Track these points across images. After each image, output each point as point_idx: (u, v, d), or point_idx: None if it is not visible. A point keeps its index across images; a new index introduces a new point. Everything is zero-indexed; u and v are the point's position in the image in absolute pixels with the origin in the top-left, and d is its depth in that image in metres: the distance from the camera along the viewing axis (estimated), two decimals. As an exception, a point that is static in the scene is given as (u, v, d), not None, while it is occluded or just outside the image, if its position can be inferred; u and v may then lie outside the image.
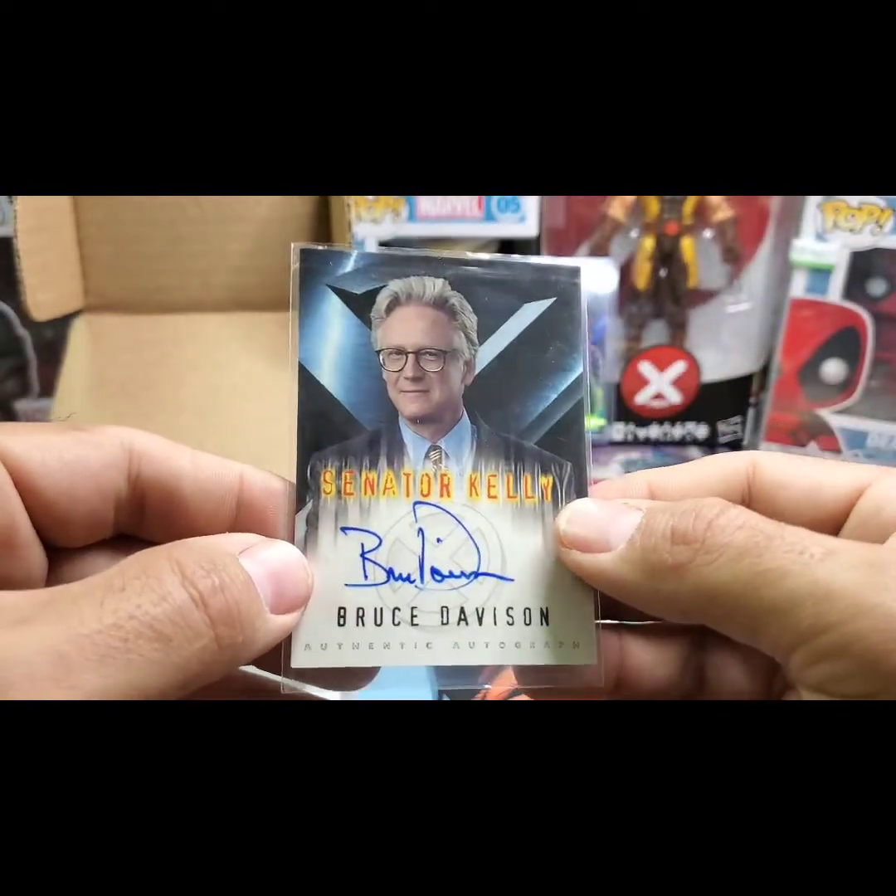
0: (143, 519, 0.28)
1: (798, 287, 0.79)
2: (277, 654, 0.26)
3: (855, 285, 0.77)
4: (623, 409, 0.86)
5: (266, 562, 0.25)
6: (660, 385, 0.85)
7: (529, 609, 0.28)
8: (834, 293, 0.78)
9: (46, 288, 0.58)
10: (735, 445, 0.88)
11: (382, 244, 0.80)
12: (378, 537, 0.28)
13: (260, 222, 0.63)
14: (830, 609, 0.22)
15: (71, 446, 0.26)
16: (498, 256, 0.31)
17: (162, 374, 0.60)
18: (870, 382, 0.80)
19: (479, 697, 0.37)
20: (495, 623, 0.28)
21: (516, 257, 0.31)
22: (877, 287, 0.77)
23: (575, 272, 0.31)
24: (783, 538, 0.23)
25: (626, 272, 0.83)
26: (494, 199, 0.78)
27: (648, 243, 0.81)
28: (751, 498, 0.28)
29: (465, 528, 0.28)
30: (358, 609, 0.27)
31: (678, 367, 0.85)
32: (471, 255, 0.30)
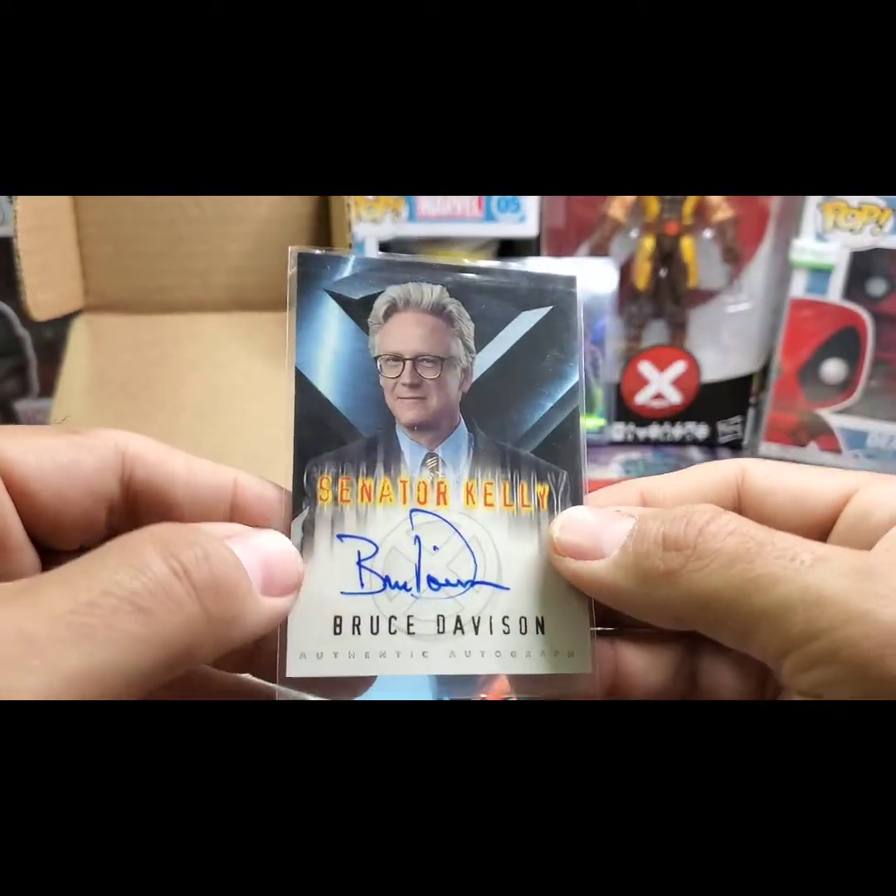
0: (135, 522, 0.27)
1: (798, 287, 0.79)
2: (273, 662, 0.26)
3: (855, 285, 0.77)
4: (623, 409, 0.86)
5: (254, 546, 0.25)
6: (660, 385, 0.85)
7: (525, 618, 0.28)
8: (834, 293, 0.78)
9: (46, 288, 0.58)
10: (735, 445, 0.88)
11: (382, 244, 0.80)
12: (374, 545, 0.28)
13: (260, 222, 0.63)
14: (821, 615, 0.22)
15: (64, 449, 0.26)
16: (495, 264, 0.31)
17: (162, 374, 0.60)
18: (870, 382, 0.80)
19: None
20: (491, 632, 0.28)
21: (514, 265, 0.31)
22: (877, 287, 0.77)
23: (571, 281, 0.31)
24: (774, 544, 0.24)
25: (626, 272, 0.83)
26: (494, 199, 0.78)
27: (648, 243, 0.81)
28: (740, 505, 0.28)
29: (461, 536, 0.28)
30: (354, 617, 0.27)
31: (678, 367, 0.85)
32: (468, 262, 0.30)
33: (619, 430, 0.87)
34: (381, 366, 0.29)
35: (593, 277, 0.82)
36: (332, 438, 0.28)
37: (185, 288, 0.64)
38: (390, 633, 0.27)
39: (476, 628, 0.28)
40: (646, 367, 0.85)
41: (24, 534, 0.26)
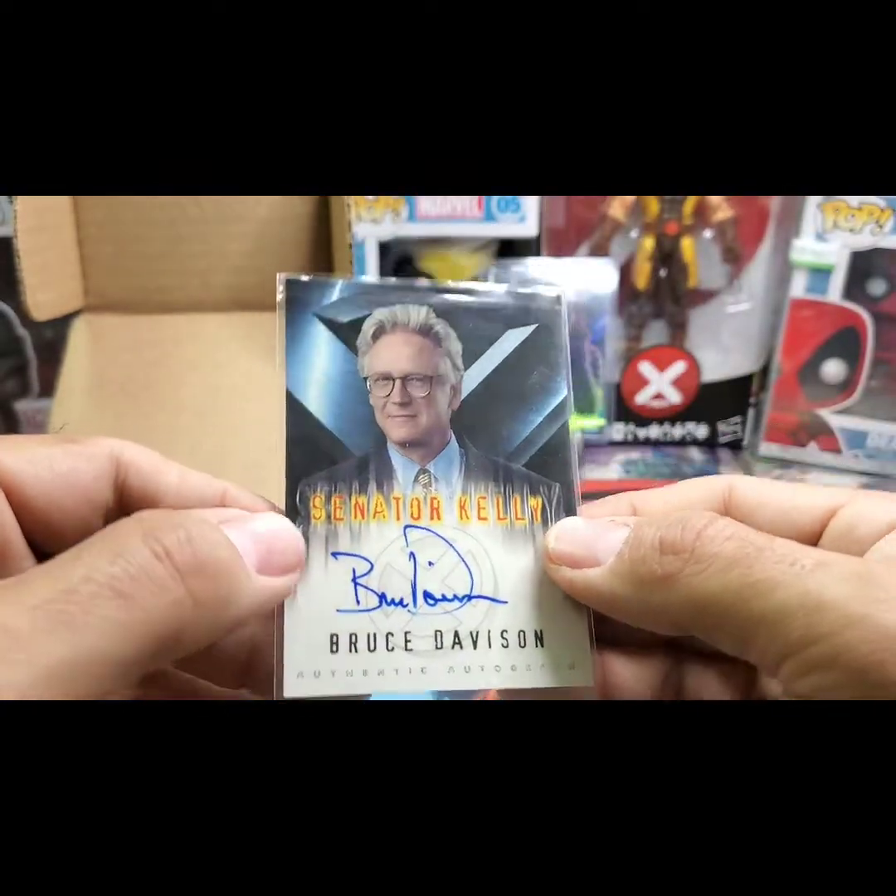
0: None
1: (798, 287, 0.79)
2: (270, 678, 0.26)
3: (855, 285, 0.77)
4: (623, 409, 0.86)
5: (250, 527, 0.25)
6: (660, 385, 0.85)
7: (524, 631, 0.28)
8: (834, 293, 0.78)
9: (46, 288, 0.58)
10: (735, 445, 0.88)
11: (382, 244, 0.80)
12: (369, 562, 0.28)
13: (260, 222, 0.63)
14: (821, 620, 0.22)
15: (62, 458, 0.26)
16: (480, 285, 0.31)
17: (162, 374, 0.60)
18: (870, 382, 0.80)
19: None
20: (490, 646, 0.28)
21: (498, 285, 0.31)
22: (877, 287, 0.77)
23: (556, 300, 0.31)
24: (773, 550, 0.24)
25: (626, 272, 0.83)
26: (494, 199, 0.78)
27: (648, 243, 0.81)
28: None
29: (456, 550, 0.28)
30: (350, 635, 0.27)
31: (678, 367, 0.85)
32: (453, 284, 0.31)
33: (619, 430, 0.87)
34: (370, 386, 0.29)
35: (593, 277, 0.82)
36: (324, 458, 0.28)
37: (185, 288, 0.64)
38: (388, 650, 0.27)
39: (475, 643, 0.28)
40: (646, 367, 0.85)
41: (23, 543, 0.26)
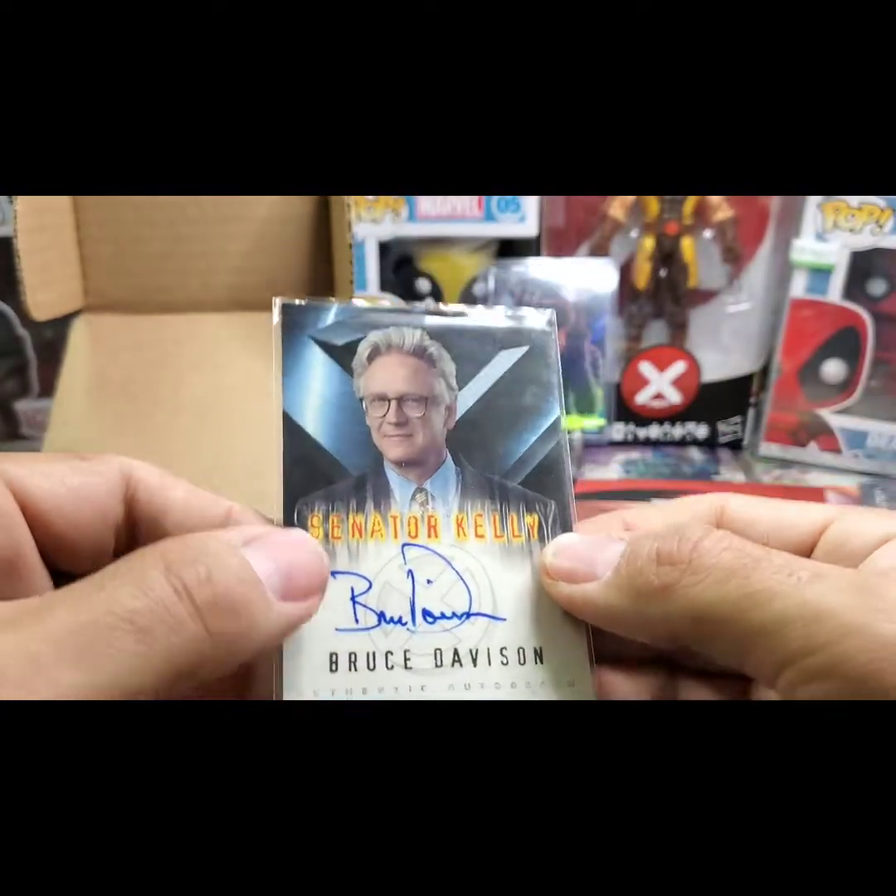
0: (134, 546, 0.28)
1: (798, 287, 0.79)
2: (269, 690, 0.26)
3: (855, 285, 0.77)
4: (623, 409, 0.86)
5: (273, 549, 0.24)
6: (660, 385, 0.85)
7: (523, 648, 0.28)
8: (834, 293, 0.78)
9: (46, 288, 0.58)
10: (735, 445, 0.88)
11: (382, 244, 0.80)
12: (368, 580, 0.28)
13: (260, 222, 0.63)
14: (819, 630, 0.22)
15: (74, 475, 0.27)
16: (472, 308, 0.32)
17: (162, 374, 0.60)
18: (870, 382, 0.80)
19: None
20: (489, 664, 0.28)
21: (490, 308, 0.32)
22: (877, 287, 0.77)
23: (547, 322, 0.32)
24: (770, 560, 0.24)
25: (626, 272, 0.83)
26: (494, 199, 0.78)
27: (648, 243, 0.81)
28: None
29: (454, 568, 0.28)
30: (350, 654, 0.27)
31: (678, 367, 0.85)
32: (445, 307, 0.32)
33: (619, 430, 0.87)
34: (366, 406, 0.30)
35: (593, 277, 0.82)
36: (321, 478, 0.28)
37: (185, 288, 0.64)
38: (387, 668, 0.27)
39: (474, 661, 0.28)
40: (646, 367, 0.85)
41: (38, 558, 0.27)
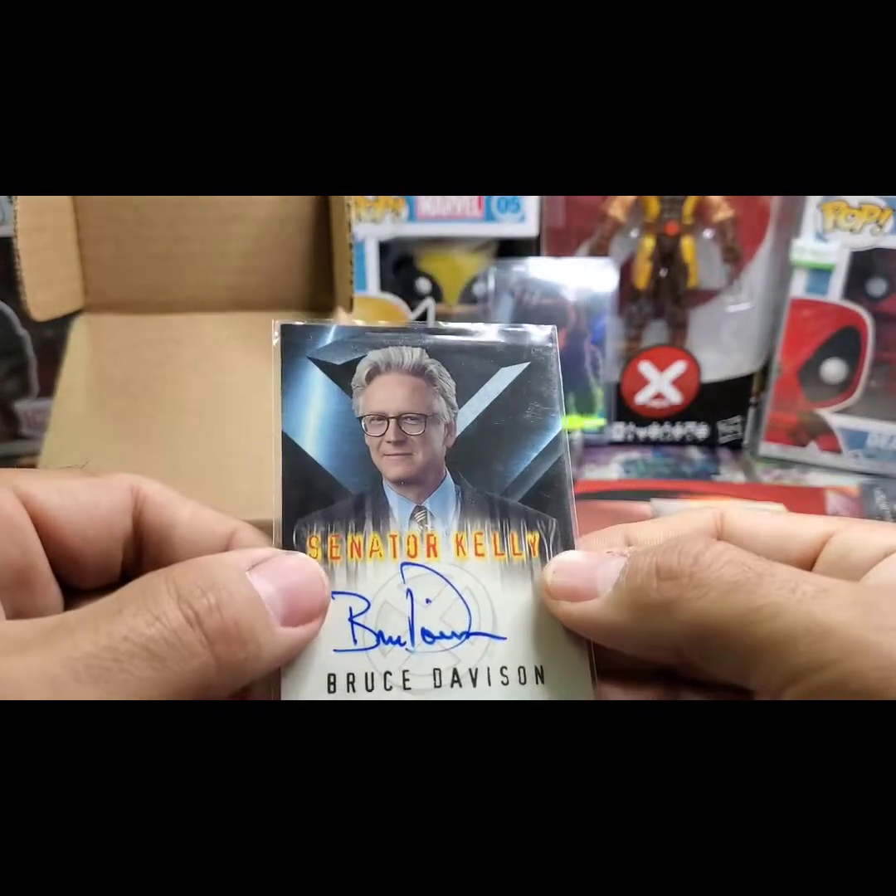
0: (140, 562, 0.29)
1: (798, 287, 0.79)
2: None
3: (855, 285, 0.77)
4: (623, 409, 0.86)
5: (277, 575, 0.25)
6: (660, 385, 0.85)
7: (524, 667, 0.28)
8: (834, 293, 0.78)
9: (46, 288, 0.58)
10: (735, 445, 0.88)
11: (382, 244, 0.80)
12: (366, 600, 0.28)
13: (260, 222, 0.63)
14: (827, 647, 0.22)
15: (85, 490, 0.27)
16: (472, 325, 0.32)
17: (162, 374, 0.60)
18: (870, 382, 0.80)
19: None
20: (489, 684, 0.27)
21: (490, 325, 0.32)
22: (877, 287, 0.77)
23: (548, 337, 0.32)
24: (773, 575, 0.23)
25: (626, 272, 0.83)
26: (494, 199, 0.78)
27: (648, 243, 0.81)
28: None
29: (454, 587, 0.28)
30: (348, 675, 0.27)
31: (678, 367, 0.85)
32: (445, 325, 0.32)
33: (619, 430, 0.87)
34: (365, 425, 0.30)
35: (593, 277, 0.82)
36: (320, 497, 0.28)
37: (185, 288, 0.64)
38: (386, 689, 0.27)
39: (474, 681, 0.27)
40: (646, 367, 0.85)
41: (49, 571, 0.27)
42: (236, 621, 0.23)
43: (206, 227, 0.63)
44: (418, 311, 0.84)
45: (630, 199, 0.80)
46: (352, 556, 0.28)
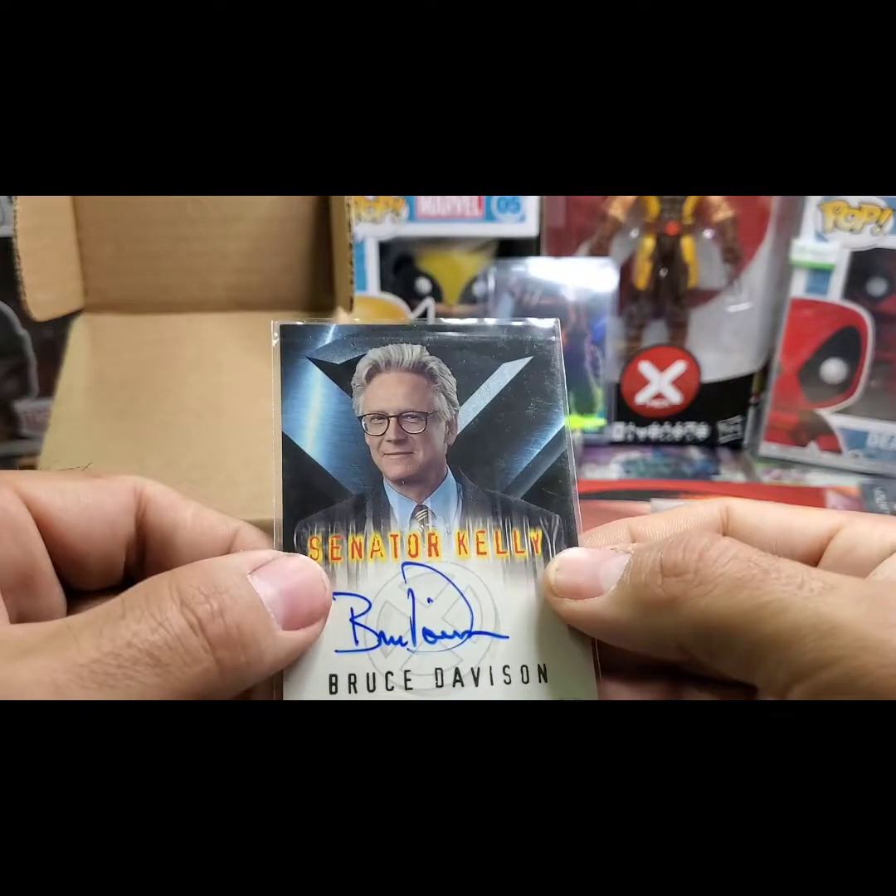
0: (143, 563, 0.29)
1: (798, 287, 0.78)
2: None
3: (855, 285, 0.77)
4: (623, 409, 0.86)
5: (279, 578, 0.25)
6: (660, 385, 0.85)
7: (526, 666, 0.27)
8: (834, 293, 0.77)
9: (46, 288, 0.58)
10: (735, 445, 0.88)
11: (382, 244, 0.80)
12: (367, 601, 0.28)
13: (260, 222, 0.63)
14: (834, 643, 0.22)
15: (89, 492, 0.27)
16: (472, 321, 0.32)
17: (162, 374, 0.60)
18: (870, 382, 0.80)
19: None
20: (492, 683, 0.27)
21: (491, 320, 0.32)
22: (877, 287, 0.77)
23: (551, 331, 0.32)
24: (779, 571, 0.23)
25: (626, 272, 0.83)
26: (494, 199, 0.78)
27: (648, 243, 0.81)
28: None
29: (455, 586, 0.28)
30: (350, 675, 0.27)
31: (678, 367, 0.85)
32: (446, 321, 0.31)
33: (619, 430, 0.87)
34: (366, 425, 0.30)
35: (593, 277, 0.82)
36: (320, 498, 0.28)
37: (185, 288, 0.64)
38: (387, 689, 0.27)
39: (476, 680, 0.27)
40: (646, 367, 0.85)
41: (52, 572, 0.27)
42: (239, 626, 0.23)
43: (206, 227, 0.63)
44: (418, 311, 0.84)
45: (630, 199, 0.80)
46: (353, 557, 0.28)
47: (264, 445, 0.29)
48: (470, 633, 0.28)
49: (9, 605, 0.25)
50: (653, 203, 0.80)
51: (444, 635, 0.28)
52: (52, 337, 0.76)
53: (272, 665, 0.24)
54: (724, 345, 0.84)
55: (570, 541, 0.29)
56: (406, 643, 0.27)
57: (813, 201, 0.75)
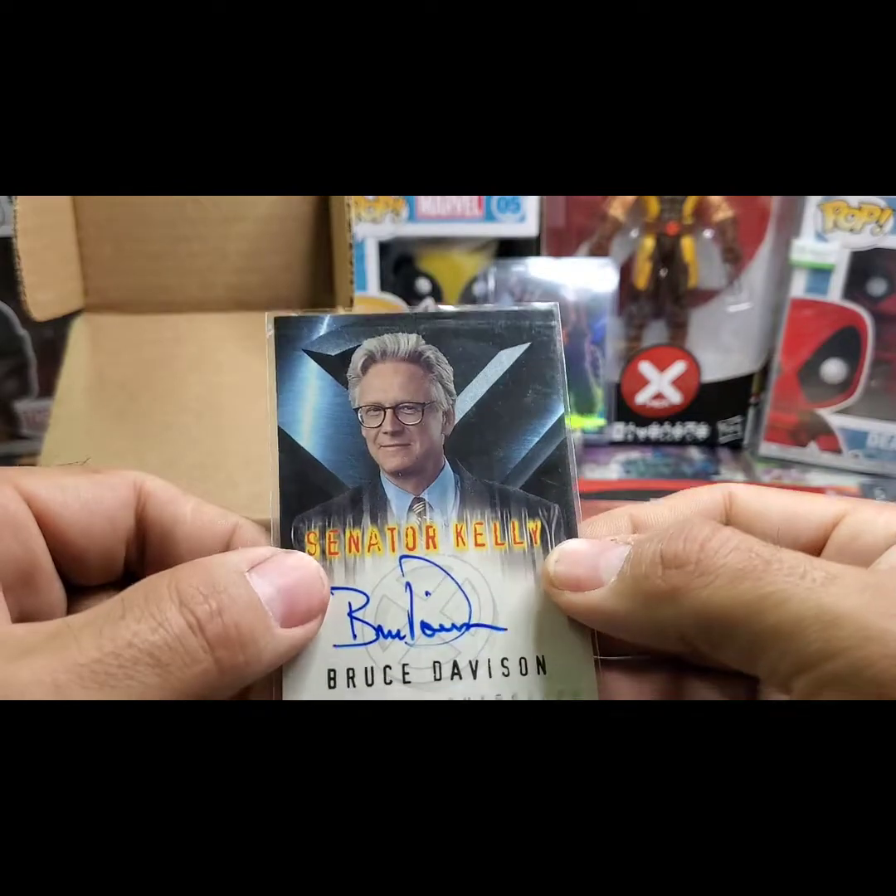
0: (143, 559, 0.29)
1: (798, 287, 0.78)
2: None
3: (855, 285, 0.77)
4: (623, 409, 0.86)
5: (276, 575, 0.25)
6: (660, 385, 0.85)
7: (525, 658, 0.27)
8: (834, 293, 0.77)
9: (46, 288, 0.58)
10: (735, 445, 0.88)
11: (382, 244, 0.80)
12: (365, 595, 0.28)
13: (260, 222, 0.63)
14: (838, 634, 0.21)
15: (88, 488, 0.27)
16: (469, 307, 0.31)
17: (162, 374, 0.60)
18: (870, 382, 0.80)
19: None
20: (490, 675, 0.27)
21: (488, 306, 0.31)
22: (877, 287, 0.77)
23: (549, 315, 0.31)
24: (781, 561, 0.23)
25: (626, 272, 0.83)
26: (494, 199, 0.78)
27: (648, 243, 0.81)
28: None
29: (453, 579, 0.28)
30: (348, 670, 0.27)
31: (678, 367, 0.85)
32: (442, 308, 0.31)
33: (619, 430, 0.87)
34: (362, 417, 0.29)
35: (593, 277, 0.82)
36: (317, 493, 0.28)
37: (185, 288, 0.64)
38: (386, 683, 0.27)
39: (474, 673, 0.27)
40: (646, 367, 0.85)
41: (53, 569, 0.27)
42: (237, 626, 0.23)
43: (206, 227, 0.63)
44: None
45: (630, 199, 0.80)
46: (350, 551, 0.28)
47: (264, 445, 0.29)
48: (468, 626, 0.28)
49: (10, 603, 0.25)
50: (653, 203, 0.80)
51: (442, 628, 0.28)
52: (52, 337, 0.76)
53: (271, 663, 0.24)
54: (724, 345, 0.84)
55: (570, 531, 0.29)
56: (404, 637, 0.27)
57: (813, 201, 0.75)
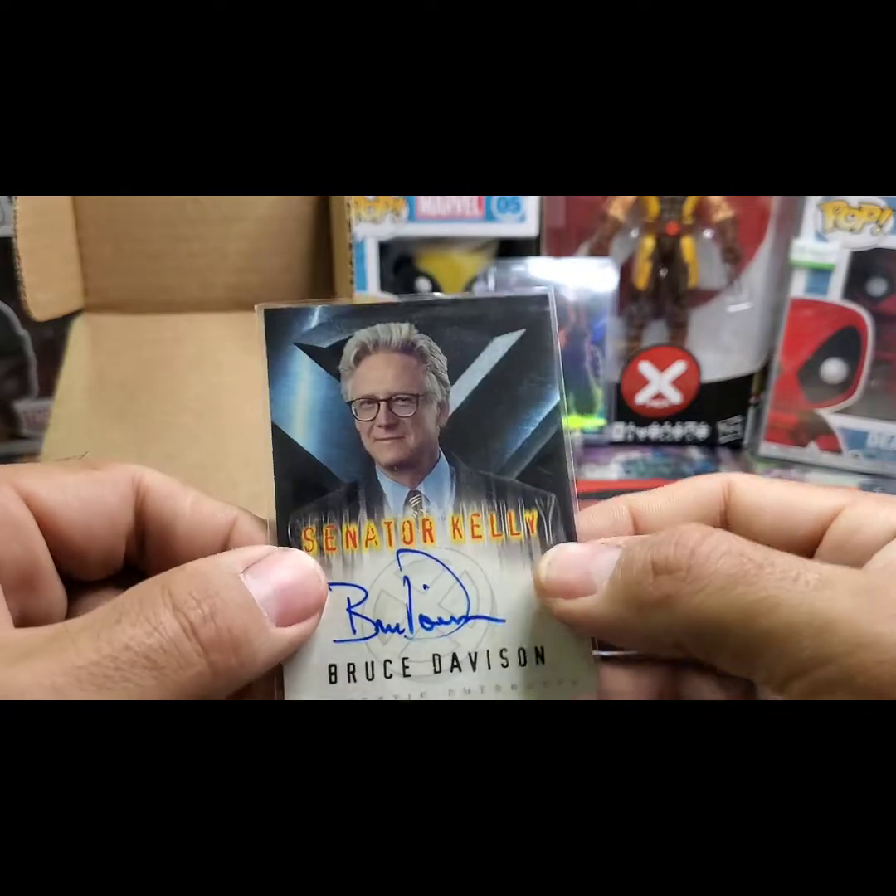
0: (143, 553, 0.29)
1: (798, 287, 0.78)
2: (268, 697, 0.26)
3: (855, 285, 0.77)
4: (623, 409, 0.86)
5: (272, 576, 0.25)
6: (660, 385, 0.85)
7: (524, 649, 0.28)
8: (834, 293, 0.77)
9: (46, 288, 0.58)
10: (735, 445, 0.88)
11: (382, 244, 0.80)
12: (363, 590, 0.28)
13: (260, 222, 0.63)
14: (831, 640, 0.21)
15: (88, 485, 0.27)
16: (462, 295, 0.31)
17: (162, 374, 0.60)
18: (870, 382, 0.80)
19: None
20: (489, 667, 0.27)
21: (481, 293, 0.31)
22: (877, 287, 0.77)
23: (543, 300, 0.30)
24: (773, 565, 0.23)
25: (626, 272, 0.83)
26: (494, 199, 0.78)
27: (648, 243, 0.81)
28: (727, 519, 0.28)
29: (451, 571, 0.28)
30: (348, 665, 0.27)
31: (678, 367, 0.85)
32: (435, 296, 0.30)
33: (619, 430, 0.87)
34: (355, 410, 0.29)
35: (593, 277, 0.82)
36: (313, 489, 0.28)
37: (185, 288, 0.64)
38: (386, 677, 0.27)
39: (474, 665, 0.27)
40: (646, 367, 0.85)
41: (53, 568, 0.27)
42: (230, 629, 0.23)
43: (206, 227, 0.63)
44: (418, 311, 0.84)
45: (630, 199, 0.80)
46: (347, 547, 0.28)
47: (263, 445, 0.29)
48: (467, 618, 0.28)
49: (10, 603, 0.25)
50: (653, 203, 0.80)
51: (440, 621, 0.28)
52: (52, 337, 0.76)
53: (268, 662, 0.24)
54: (724, 345, 0.84)
55: (567, 521, 0.28)
56: (403, 631, 0.27)
57: (813, 201, 0.75)
